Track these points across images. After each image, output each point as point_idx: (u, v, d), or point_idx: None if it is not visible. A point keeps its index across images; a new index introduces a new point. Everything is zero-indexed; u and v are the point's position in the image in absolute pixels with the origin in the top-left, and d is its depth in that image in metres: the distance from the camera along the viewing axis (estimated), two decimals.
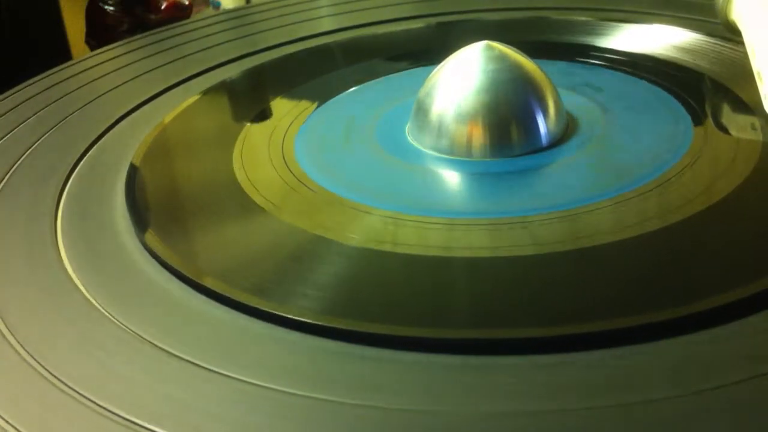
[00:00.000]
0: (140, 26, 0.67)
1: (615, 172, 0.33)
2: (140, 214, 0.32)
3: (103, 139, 0.40)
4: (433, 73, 0.38)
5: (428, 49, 0.47)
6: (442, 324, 0.26)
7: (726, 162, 0.33)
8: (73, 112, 0.43)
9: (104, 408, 0.22)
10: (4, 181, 0.36)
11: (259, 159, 0.37)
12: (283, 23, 0.57)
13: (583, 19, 0.50)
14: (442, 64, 0.37)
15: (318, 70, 0.48)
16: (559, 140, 0.36)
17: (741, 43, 0.40)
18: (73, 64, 0.51)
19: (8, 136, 0.41)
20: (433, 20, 0.55)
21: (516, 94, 0.36)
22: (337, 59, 0.51)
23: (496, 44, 0.37)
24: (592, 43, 0.47)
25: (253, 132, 0.40)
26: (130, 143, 0.39)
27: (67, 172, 0.37)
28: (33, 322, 0.27)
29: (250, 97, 0.47)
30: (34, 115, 0.43)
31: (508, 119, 0.35)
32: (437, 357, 0.23)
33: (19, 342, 0.26)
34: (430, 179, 0.35)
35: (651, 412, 0.21)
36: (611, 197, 0.31)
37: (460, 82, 0.36)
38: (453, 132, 0.35)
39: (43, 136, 0.41)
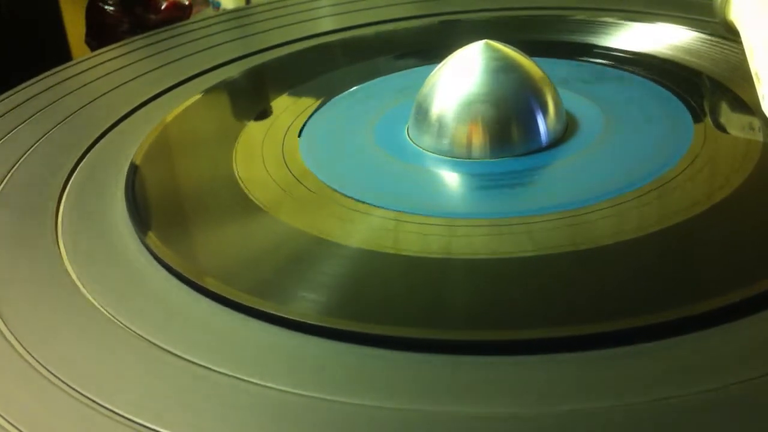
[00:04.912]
0: (140, 26, 0.67)
1: (615, 172, 0.33)
2: (141, 214, 0.32)
3: (103, 139, 0.40)
4: (432, 72, 0.37)
5: (428, 48, 0.47)
6: (441, 325, 0.26)
7: (726, 162, 0.33)
8: (74, 112, 0.43)
9: (103, 406, 0.22)
10: (5, 181, 0.36)
11: (260, 159, 0.37)
12: (283, 23, 0.57)
13: (583, 18, 0.50)
14: (441, 63, 0.37)
15: (318, 69, 0.48)
16: (559, 140, 0.36)
17: (740, 43, 0.40)
18: (73, 64, 0.51)
19: (8, 136, 0.41)
20: (433, 20, 0.55)
21: (516, 94, 0.36)
22: (337, 59, 0.51)
23: (495, 43, 0.37)
24: (592, 42, 0.47)
25: (254, 132, 0.40)
26: (130, 143, 0.39)
27: (68, 172, 0.37)
28: (33, 320, 0.27)
29: (250, 97, 0.47)
30: (34, 115, 0.43)
31: (508, 119, 0.35)
32: (437, 357, 0.23)
33: (18, 341, 0.26)
34: (430, 179, 0.35)
35: (651, 412, 0.21)
36: (611, 197, 0.31)
37: (459, 81, 0.36)
38: (453, 132, 0.35)
39: (43, 136, 0.41)
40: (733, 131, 0.37)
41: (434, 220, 0.31)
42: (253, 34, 0.55)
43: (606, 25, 0.49)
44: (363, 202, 0.32)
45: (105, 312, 0.27)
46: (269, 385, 0.23)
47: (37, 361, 0.24)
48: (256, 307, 0.26)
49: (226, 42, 0.54)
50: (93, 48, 0.67)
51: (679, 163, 0.33)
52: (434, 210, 0.31)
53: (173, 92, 0.46)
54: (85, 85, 0.47)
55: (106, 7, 0.68)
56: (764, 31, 0.38)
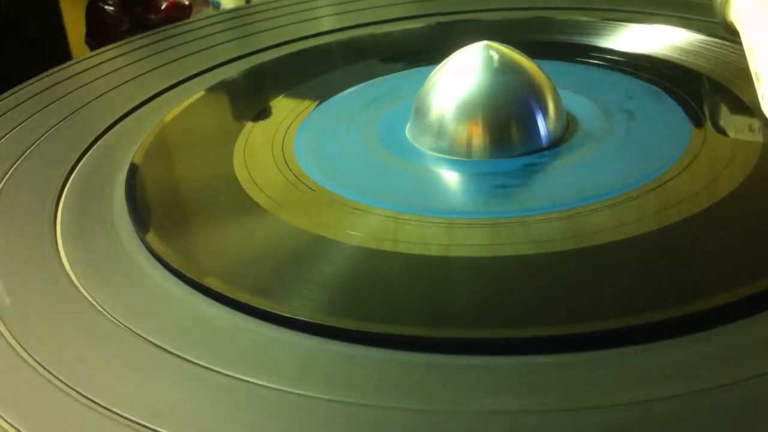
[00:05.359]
0: (140, 26, 0.67)
1: (614, 172, 0.33)
2: (140, 214, 0.32)
3: (103, 138, 0.40)
4: (432, 73, 0.38)
5: (428, 49, 0.47)
6: (441, 324, 0.26)
7: (725, 163, 0.33)
8: (73, 112, 0.43)
9: (102, 406, 0.22)
10: (5, 180, 0.36)
11: (259, 158, 0.37)
12: (283, 23, 0.57)
13: (583, 19, 0.50)
14: (441, 64, 0.38)
15: (318, 69, 0.48)
16: (559, 140, 0.36)
17: (740, 43, 0.40)
18: (73, 64, 0.51)
19: (8, 135, 0.41)
20: (432, 20, 0.55)
21: (516, 94, 0.36)
22: (336, 59, 0.51)
23: (495, 44, 0.37)
24: (592, 43, 0.47)
25: (253, 131, 0.40)
26: (130, 143, 0.39)
27: (68, 171, 0.37)
28: (32, 320, 0.27)
29: (250, 97, 0.47)
30: (34, 115, 0.43)
31: (508, 119, 0.35)
32: (437, 357, 0.23)
33: (17, 340, 0.26)
34: (430, 179, 0.35)
35: (651, 412, 0.21)
36: (611, 197, 0.31)
37: (459, 82, 0.36)
38: (453, 132, 0.35)
39: (43, 135, 0.41)
40: (733, 132, 0.37)
41: (434, 220, 0.31)
42: (252, 34, 0.55)
43: (606, 26, 0.49)
44: (363, 201, 0.32)
45: (104, 312, 0.27)
46: (269, 384, 0.23)
47: (36, 360, 0.24)
48: (257, 306, 0.26)
49: (226, 42, 0.54)
50: (93, 48, 0.67)
51: (678, 164, 0.33)
52: (434, 209, 0.31)
53: (173, 92, 0.46)
54: (85, 85, 0.47)
55: (106, 7, 0.68)
56: (764, 31, 0.38)
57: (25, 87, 0.47)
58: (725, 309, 0.24)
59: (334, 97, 0.43)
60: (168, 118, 0.42)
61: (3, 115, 0.43)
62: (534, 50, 0.38)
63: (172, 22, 0.61)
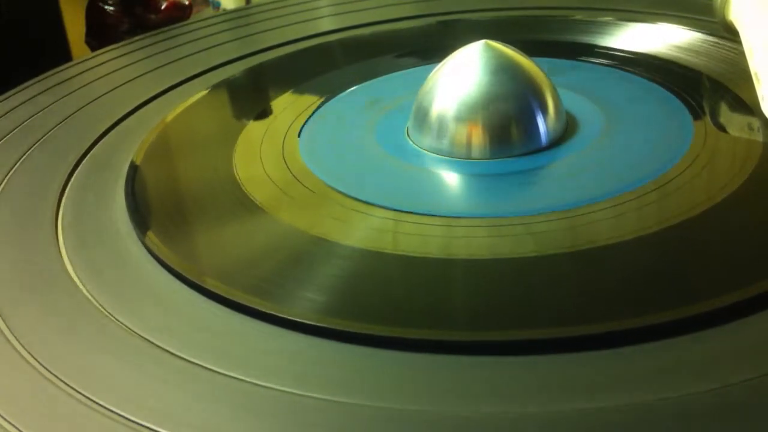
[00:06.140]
0: (140, 26, 0.67)
1: (615, 172, 0.33)
2: (141, 214, 0.32)
3: (103, 139, 0.40)
4: (432, 73, 0.38)
5: (427, 48, 0.47)
6: (441, 325, 0.26)
7: (726, 162, 0.33)
8: (74, 113, 0.43)
9: (103, 406, 0.22)
10: (5, 181, 0.36)
11: (260, 159, 0.37)
12: (283, 23, 0.57)
13: (583, 18, 0.50)
14: (441, 63, 0.37)
15: (318, 69, 0.48)
16: (559, 140, 0.36)
17: (740, 43, 0.40)
18: (74, 65, 0.51)
19: (9, 136, 0.41)
20: (432, 19, 0.55)
21: (515, 94, 0.36)
22: (336, 58, 0.51)
23: (495, 43, 0.37)
24: (592, 43, 0.47)
25: (254, 132, 0.40)
26: (131, 143, 0.39)
27: (68, 172, 0.37)
28: (33, 320, 0.27)
29: (250, 97, 0.47)
30: (34, 115, 0.43)
31: (508, 119, 0.35)
32: (436, 358, 0.23)
33: (18, 341, 0.26)
34: (430, 179, 0.35)
35: (651, 412, 0.21)
36: (611, 198, 0.31)
37: (459, 81, 0.36)
38: (453, 132, 0.35)
39: (43, 136, 0.41)
40: (733, 131, 0.37)
41: (434, 220, 0.31)
42: (253, 34, 0.55)
43: (606, 25, 0.49)
44: (363, 202, 0.32)
45: (105, 312, 0.27)
46: (268, 384, 0.23)
47: (37, 360, 0.25)
48: (256, 307, 0.26)
49: (226, 42, 0.54)
50: (93, 48, 0.67)
51: (679, 164, 0.33)
52: (434, 210, 0.31)
53: (173, 92, 0.46)
54: (85, 85, 0.47)
55: (106, 7, 0.68)
56: (764, 31, 0.38)
57: (26, 88, 0.47)
58: (725, 309, 0.24)
59: (334, 98, 0.43)
60: (168, 118, 0.42)
61: (4, 115, 0.43)
62: (534, 49, 0.38)
63: (172, 23, 0.61)
